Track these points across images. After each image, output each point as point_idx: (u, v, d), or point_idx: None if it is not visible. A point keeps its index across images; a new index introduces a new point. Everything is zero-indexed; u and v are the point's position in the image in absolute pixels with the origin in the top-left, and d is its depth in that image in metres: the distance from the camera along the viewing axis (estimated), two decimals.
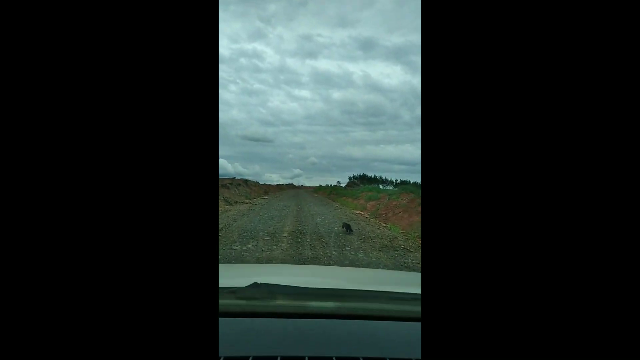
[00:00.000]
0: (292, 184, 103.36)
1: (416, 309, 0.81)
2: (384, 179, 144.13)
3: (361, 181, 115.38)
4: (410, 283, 1.30)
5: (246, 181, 30.52)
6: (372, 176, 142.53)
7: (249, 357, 0.62)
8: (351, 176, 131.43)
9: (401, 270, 4.83)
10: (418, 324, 0.54)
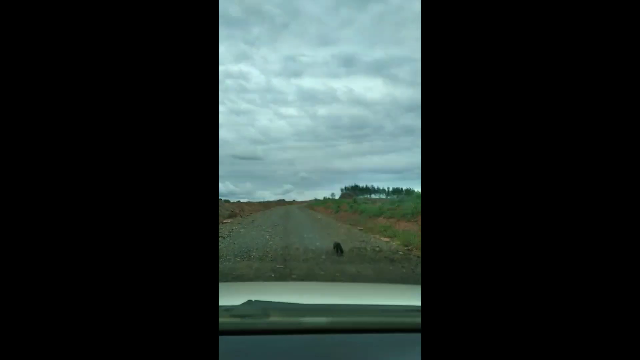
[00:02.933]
0: (283, 199, 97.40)
1: (408, 320, 0.83)
2: (375, 188, 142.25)
3: (353, 192, 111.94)
4: (401, 295, 1.32)
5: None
6: (364, 186, 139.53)
7: None
8: (343, 187, 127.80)
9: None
10: (411, 335, 0.58)
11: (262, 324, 0.80)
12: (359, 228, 11.94)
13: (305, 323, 0.81)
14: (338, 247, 6.60)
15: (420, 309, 0.49)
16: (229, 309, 0.79)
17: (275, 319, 0.80)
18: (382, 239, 9.40)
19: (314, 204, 45.34)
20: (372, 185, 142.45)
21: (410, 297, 1.13)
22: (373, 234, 10.31)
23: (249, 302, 0.85)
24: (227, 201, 31.41)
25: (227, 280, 3.87)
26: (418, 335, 0.49)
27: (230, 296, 0.96)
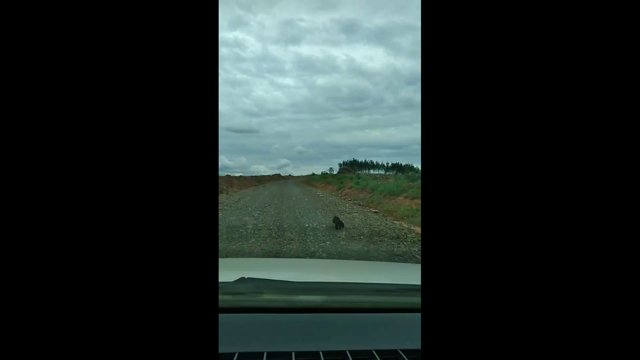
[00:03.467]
0: (279, 174, 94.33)
1: (403, 300, 0.82)
2: (374, 163, 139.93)
3: (352, 167, 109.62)
4: (397, 274, 1.30)
5: None
6: (363, 161, 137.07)
7: (234, 353, 0.63)
8: (341, 162, 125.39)
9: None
10: (405, 315, 0.59)
11: (255, 302, 0.80)
12: (372, 210, 9.22)
13: (299, 301, 0.81)
14: (337, 222, 6.56)
15: (418, 287, 0.49)
16: (222, 286, 0.77)
17: (268, 297, 0.80)
18: (414, 228, 6.58)
19: (312, 179, 42.42)
20: (370, 160, 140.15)
21: (408, 276, 1.07)
22: (397, 220, 7.53)
23: (242, 279, 0.85)
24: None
25: None
26: (416, 315, 0.48)
27: (222, 272, 0.84)
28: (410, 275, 1.15)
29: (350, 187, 17.12)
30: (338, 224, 6.53)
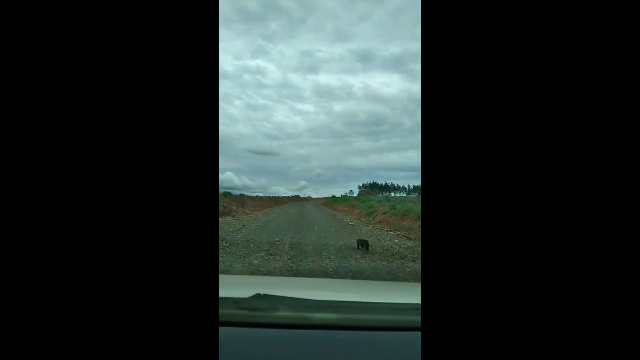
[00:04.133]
0: (298, 195, 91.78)
1: (416, 318, 0.82)
2: (394, 185, 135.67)
3: (372, 190, 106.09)
4: (409, 293, 1.30)
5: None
6: (383, 184, 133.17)
7: None
8: (360, 185, 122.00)
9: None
10: (417, 333, 0.58)
11: (270, 318, 0.81)
12: None
13: (313, 319, 0.82)
14: (363, 244, 6.09)
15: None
16: (237, 301, 0.81)
17: (283, 313, 0.82)
18: None
19: (333, 201, 39.03)
20: (391, 183, 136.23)
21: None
22: None
23: (258, 295, 0.86)
24: (227, 194, 25.50)
25: None
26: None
27: (239, 288, 0.98)
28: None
29: (385, 213, 13.66)
30: (363, 246, 5.94)
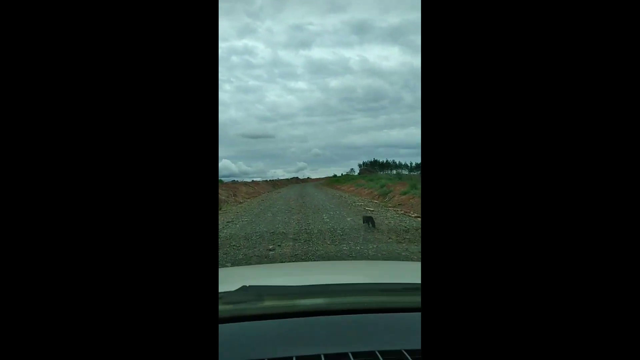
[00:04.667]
0: (297, 177, 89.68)
1: (407, 299, 0.81)
2: (396, 163, 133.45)
3: (372, 168, 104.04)
4: (403, 273, 1.29)
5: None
6: (384, 161, 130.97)
7: None
8: (360, 163, 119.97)
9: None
10: (409, 315, 0.55)
11: (256, 309, 0.79)
12: None
13: (301, 305, 0.80)
14: (369, 221, 6.08)
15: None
16: (222, 296, 0.78)
17: (270, 303, 0.80)
18: None
19: (335, 181, 36.84)
20: (393, 160, 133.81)
21: (411, 274, 1.04)
22: None
23: (244, 287, 0.84)
24: (219, 181, 23.35)
25: None
26: (420, 315, 0.49)
27: (225, 283, 0.89)
28: (413, 273, 1.06)
29: (405, 193, 11.41)
30: (370, 223, 5.88)
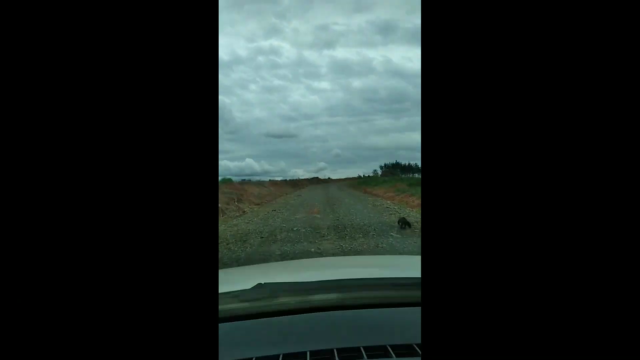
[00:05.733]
0: (317, 177, 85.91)
1: (419, 293, 0.85)
2: (419, 167, 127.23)
3: (394, 170, 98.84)
4: (411, 267, 1.29)
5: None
6: (407, 164, 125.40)
7: (251, 358, 0.64)
8: (382, 165, 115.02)
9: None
10: (420, 309, 0.66)
11: (271, 306, 0.79)
12: None
13: (314, 301, 0.81)
14: (404, 223, 6.27)
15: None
16: (238, 294, 0.79)
17: (283, 300, 0.80)
18: None
19: (362, 183, 32.56)
20: (415, 164, 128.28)
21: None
22: None
23: (259, 285, 0.85)
24: (228, 180, 19.29)
25: None
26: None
27: (240, 281, 0.90)
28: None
29: None
30: (405, 225, 6.03)
